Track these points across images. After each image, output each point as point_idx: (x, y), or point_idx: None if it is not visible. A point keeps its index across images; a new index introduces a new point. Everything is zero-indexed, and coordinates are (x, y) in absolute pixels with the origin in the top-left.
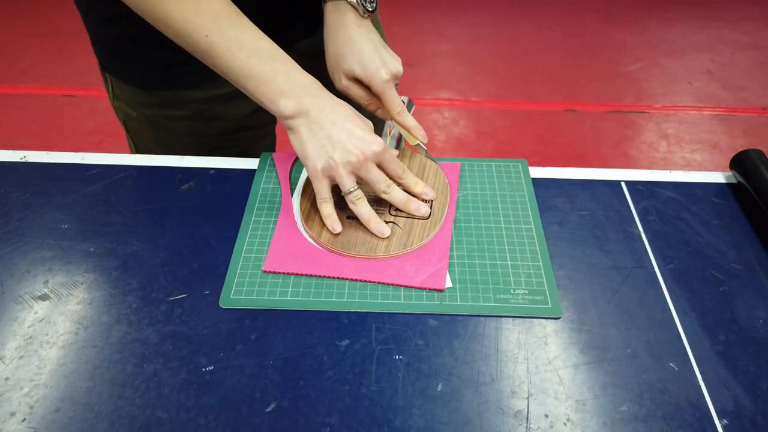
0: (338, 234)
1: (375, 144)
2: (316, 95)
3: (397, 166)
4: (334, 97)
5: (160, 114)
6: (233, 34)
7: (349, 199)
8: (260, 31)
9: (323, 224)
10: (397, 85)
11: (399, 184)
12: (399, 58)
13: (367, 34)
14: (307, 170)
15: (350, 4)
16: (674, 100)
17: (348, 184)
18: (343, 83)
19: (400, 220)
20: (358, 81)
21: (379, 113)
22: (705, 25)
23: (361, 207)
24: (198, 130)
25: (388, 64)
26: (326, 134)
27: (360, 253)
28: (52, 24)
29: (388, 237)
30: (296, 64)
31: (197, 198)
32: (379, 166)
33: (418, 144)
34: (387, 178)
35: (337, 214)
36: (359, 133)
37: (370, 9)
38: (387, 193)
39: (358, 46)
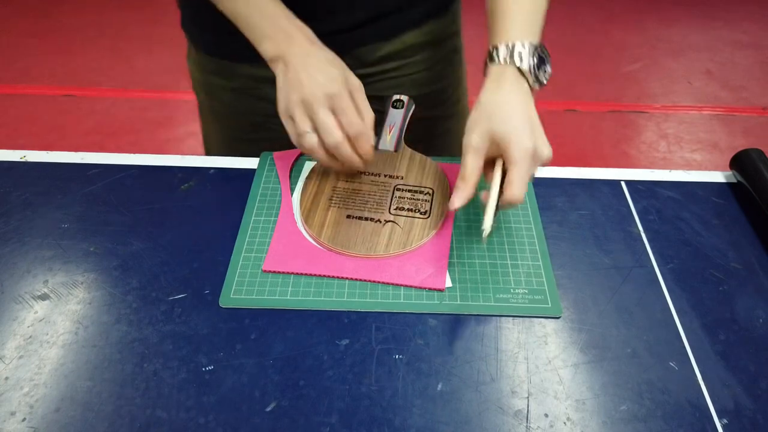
0: (338, 234)
1: (333, 85)
2: (298, 44)
3: (351, 121)
4: (320, 47)
5: (215, 81)
6: None
7: (302, 143)
8: None
9: (323, 223)
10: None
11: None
12: (551, 147)
13: (529, 107)
14: (279, 113)
15: (520, 70)
16: (674, 99)
17: (301, 125)
18: (472, 139)
19: (400, 220)
20: (484, 150)
21: (455, 196)
22: (705, 25)
23: (317, 153)
24: (244, 105)
25: (539, 142)
26: (295, 77)
27: (360, 252)
28: (52, 24)
29: (388, 236)
30: (289, 12)
31: (197, 198)
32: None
33: (484, 230)
34: (335, 131)
35: (337, 213)
36: (321, 77)
37: (543, 81)
38: (336, 149)
39: (515, 110)
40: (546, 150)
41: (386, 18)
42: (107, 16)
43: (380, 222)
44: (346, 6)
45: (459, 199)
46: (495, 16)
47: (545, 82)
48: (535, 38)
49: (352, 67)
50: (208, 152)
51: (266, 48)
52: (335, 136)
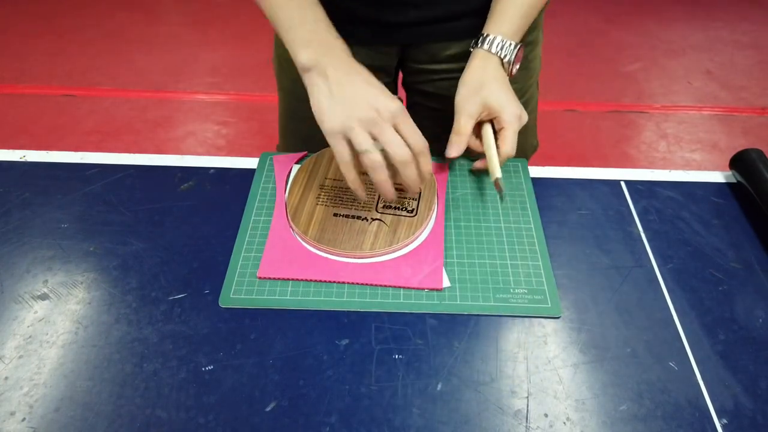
0: (324, 232)
1: (393, 102)
2: (337, 56)
3: (414, 131)
4: (355, 62)
5: (286, 56)
6: None
7: (365, 160)
8: None
9: (310, 221)
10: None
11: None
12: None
13: (508, 83)
14: (324, 131)
15: (500, 60)
16: (674, 99)
17: (364, 142)
18: (466, 103)
19: (387, 218)
20: (478, 113)
21: (452, 147)
22: (705, 25)
23: (379, 175)
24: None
25: (522, 109)
26: (343, 92)
27: (346, 249)
28: (52, 24)
29: (374, 234)
30: (330, 24)
31: (197, 198)
32: (396, 129)
33: (498, 179)
34: (405, 147)
35: (324, 211)
36: (376, 91)
37: (513, 72)
38: (405, 167)
39: (501, 83)
40: (525, 115)
41: (466, 17)
42: (107, 16)
43: (367, 220)
44: (425, 3)
45: (455, 150)
46: (496, 7)
47: (514, 73)
48: (519, 38)
49: (422, 61)
50: (282, 130)
51: (304, 55)
52: (405, 152)
